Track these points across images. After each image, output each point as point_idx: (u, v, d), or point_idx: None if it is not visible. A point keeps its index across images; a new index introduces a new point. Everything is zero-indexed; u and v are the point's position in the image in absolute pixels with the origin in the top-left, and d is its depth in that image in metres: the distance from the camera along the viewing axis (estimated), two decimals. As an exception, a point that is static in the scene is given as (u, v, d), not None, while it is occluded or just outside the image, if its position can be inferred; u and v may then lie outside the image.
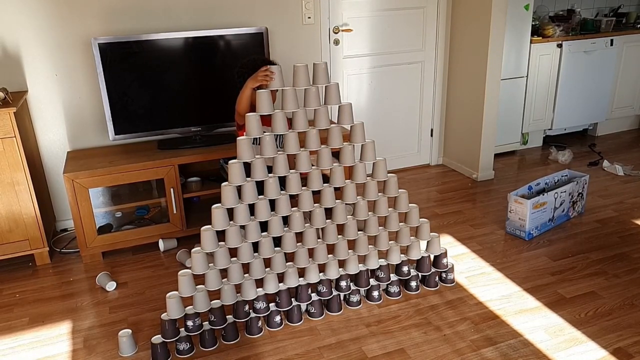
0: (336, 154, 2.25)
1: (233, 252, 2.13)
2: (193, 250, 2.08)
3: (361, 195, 2.29)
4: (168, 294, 2.05)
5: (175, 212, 2.86)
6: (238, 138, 2.06)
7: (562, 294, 2.38)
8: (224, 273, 2.13)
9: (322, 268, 2.30)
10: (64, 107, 2.99)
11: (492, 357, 2.00)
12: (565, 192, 2.98)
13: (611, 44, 4.19)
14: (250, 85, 2.38)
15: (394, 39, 3.66)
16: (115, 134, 2.88)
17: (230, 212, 2.09)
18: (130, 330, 2.10)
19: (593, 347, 2.04)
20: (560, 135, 4.50)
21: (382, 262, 2.39)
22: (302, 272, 2.27)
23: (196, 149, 2.91)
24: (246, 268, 2.17)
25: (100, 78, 2.76)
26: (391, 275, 2.40)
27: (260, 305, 2.19)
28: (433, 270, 2.46)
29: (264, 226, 2.15)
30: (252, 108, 2.55)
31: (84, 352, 2.12)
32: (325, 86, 2.14)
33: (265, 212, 2.13)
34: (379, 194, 2.31)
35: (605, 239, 2.87)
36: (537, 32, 4.03)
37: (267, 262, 2.21)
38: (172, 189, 2.81)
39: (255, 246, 2.17)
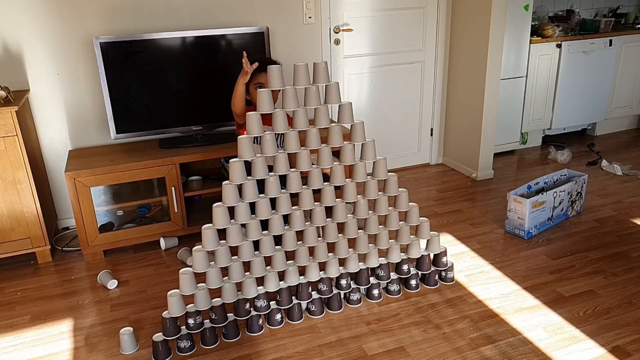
0: (336, 153, 2.26)
1: (234, 251, 2.14)
2: (194, 248, 2.09)
3: (361, 194, 2.30)
4: (169, 292, 2.06)
5: (176, 210, 2.87)
6: (239, 137, 2.07)
7: (561, 293, 2.39)
8: (224, 271, 2.14)
9: (322, 266, 2.31)
10: (66, 106, 3.00)
11: (491, 355, 2.02)
12: (564, 191, 2.99)
13: (610, 44, 4.20)
14: (242, 81, 2.42)
15: (394, 38, 3.67)
16: (117, 133, 2.89)
17: (231, 211, 2.10)
18: (131, 328, 2.11)
19: (591, 345, 2.05)
20: (559, 135, 4.51)
21: (382, 260, 2.40)
22: (302, 271, 2.29)
23: (197, 148, 2.92)
24: (247, 266, 2.18)
25: (102, 77, 2.77)
26: (391, 273, 2.42)
27: (261, 303, 2.20)
28: (433, 268, 2.48)
29: (264, 225, 2.16)
30: (249, 103, 2.59)
31: (85, 349, 2.13)
32: (326, 85, 2.15)
33: (266, 211, 2.14)
34: (379, 192, 2.32)
35: (604, 238, 2.88)
36: (537, 32, 4.04)
37: (268, 261, 2.22)
38: (173, 188, 2.82)
39: (256, 244, 2.18)
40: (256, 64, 2.41)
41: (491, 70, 3.49)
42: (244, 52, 2.41)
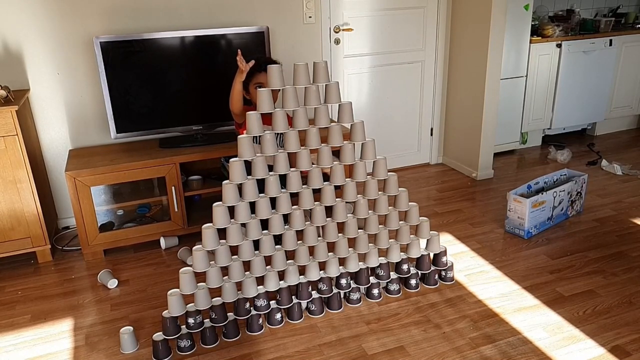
0: (336, 153, 2.27)
1: (234, 250, 2.14)
2: (194, 248, 2.09)
3: (361, 194, 2.30)
4: (169, 292, 2.06)
5: (176, 210, 2.87)
6: (239, 136, 2.07)
7: (561, 292, 2.39)
8: (225, 271, 2.14)
9: (322, 266, 2.31)
10: (66, 105, 3.01)
11: (491, 354, 2.02)
12: (564, 191, 2.99)
13: (610, 44, 4.21)
14: (239, 80, 2.43)
15: (395, 38, 3.67)
16: (117, 132, 2.89)
17: (231, 210, 2.10)
18: (131, 328, 2.12)
19: (591, 345, 2.05)
20: (559, 135, 4.51)
21: (382, 260, 2.40)
22: (302, 270, 2.29)
23: (197, 148, 2.92)
24: (247, 266, 2.18)
25: (102, 77, 2.77)
26: (391, 273, 2.42)
27: (261, 302, 2.20)
28: (433, 268, 2.48)
29: (264, 224, 2.17)
30: (248, 102, 2.59)
31: (85, 349, 2.13)
32: (326, 85, 2.15)
33: (266, 210, 2.14)
34: (379, 192, 2.32)
35: (604, 237, 2.88)
36: (537, 32, 4.05)
37: (268, 260, 2.22)
38: (173, 187, 2.82)
39: (256, 244, 2.18)
40: (252, 62, 2.40)
41: (491, 70, 3.49)
42: (239, 50, 2.40)
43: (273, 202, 2.16)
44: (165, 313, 2.06)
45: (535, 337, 2.11)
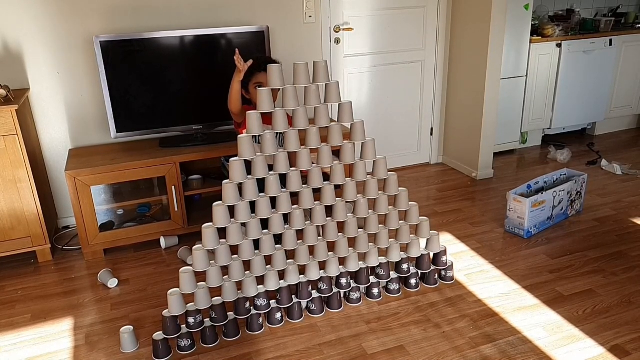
0: (336, 152, 2.27)
1: (234, 250, 2.14)
2: (194, 247, 2.10)
3: (361, 194, 2.30)
4: (169, 291, 2.06)
5: (176, 209, 2.87)
6: (239, 136, 2.07)
7: (561, 292, 2.40)
8: (225, 270, 2.14)
9: (322, 265, 2.31)
10: (66, 105, 3.01)
11: (490, 354, 2.02)
12: (563, 190, 2.99)
13: (610, 44, 4.21)
14: (237, 79, 2.43)
15: (395, 38, 3.67)
16: (117, 132, 2.89)
17: (232, 210, 2.10)
18: (131, 327, 2.12)
19: (591, 344, 2.05)
20: (559, 135, 4.51)
21: (382, 259, 2.40)
22: (302, 270, 2.29)
23: (197, 147, 2.92)
24: (247, 265, 2.19)
25: (102, 76, 2.77)
26: (391, 272, 2.42)
27: (261, 302, 2.20)
28: (432, 268, 2.48)
29: (264, 224, 2.17)
30: (248, 102, 2.59)
31: (85, 348, 2.13)
32: (326, 84, 2.15)
33: (266, 210, 2.14)
34: (379, 192, 2.32)
35: (603, 237, 2.88)
36: (537, 31, 4.05)
37: (268, 260, 2.23)
38: (173, 187, 2.82)
39: (256, 243, 2.19)
40: (250, 61, 2.40)
41: (491, 70, 3.49)
42: (237, 49, 2.40)
43: (273, 201, 2.16)
44: (165, 312, 2.07)
45: (535, 336, 2.11)
